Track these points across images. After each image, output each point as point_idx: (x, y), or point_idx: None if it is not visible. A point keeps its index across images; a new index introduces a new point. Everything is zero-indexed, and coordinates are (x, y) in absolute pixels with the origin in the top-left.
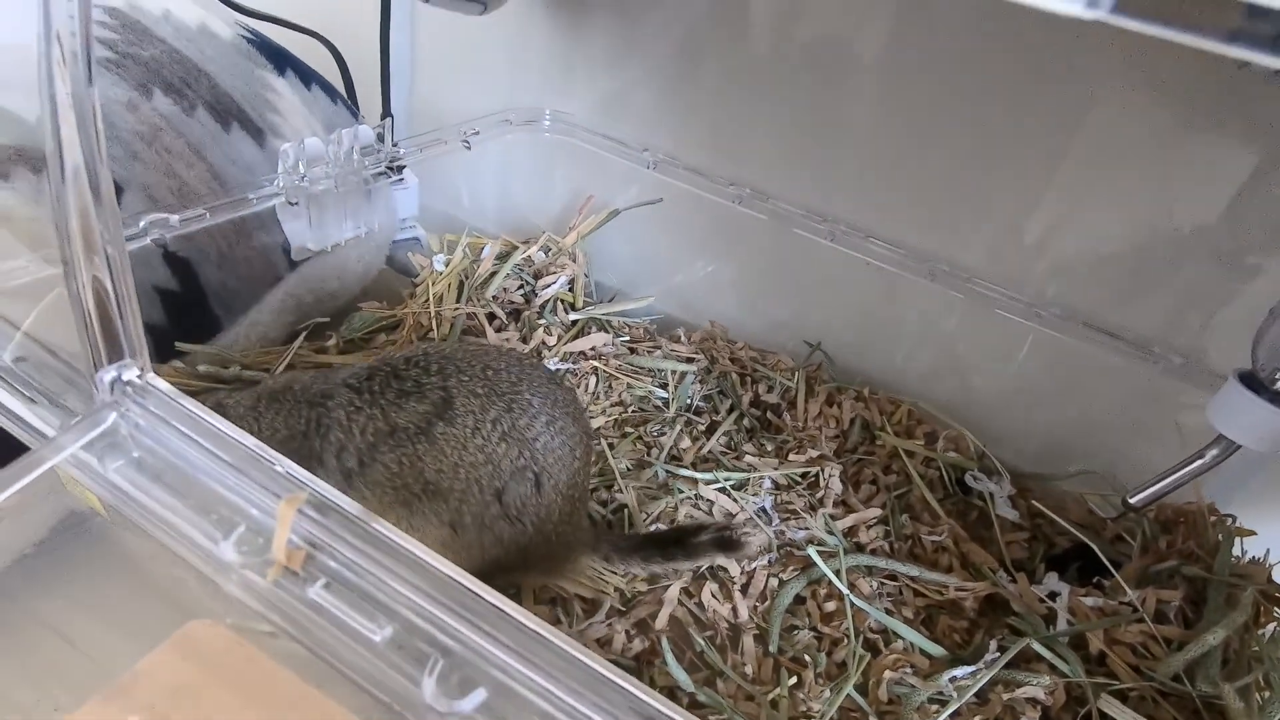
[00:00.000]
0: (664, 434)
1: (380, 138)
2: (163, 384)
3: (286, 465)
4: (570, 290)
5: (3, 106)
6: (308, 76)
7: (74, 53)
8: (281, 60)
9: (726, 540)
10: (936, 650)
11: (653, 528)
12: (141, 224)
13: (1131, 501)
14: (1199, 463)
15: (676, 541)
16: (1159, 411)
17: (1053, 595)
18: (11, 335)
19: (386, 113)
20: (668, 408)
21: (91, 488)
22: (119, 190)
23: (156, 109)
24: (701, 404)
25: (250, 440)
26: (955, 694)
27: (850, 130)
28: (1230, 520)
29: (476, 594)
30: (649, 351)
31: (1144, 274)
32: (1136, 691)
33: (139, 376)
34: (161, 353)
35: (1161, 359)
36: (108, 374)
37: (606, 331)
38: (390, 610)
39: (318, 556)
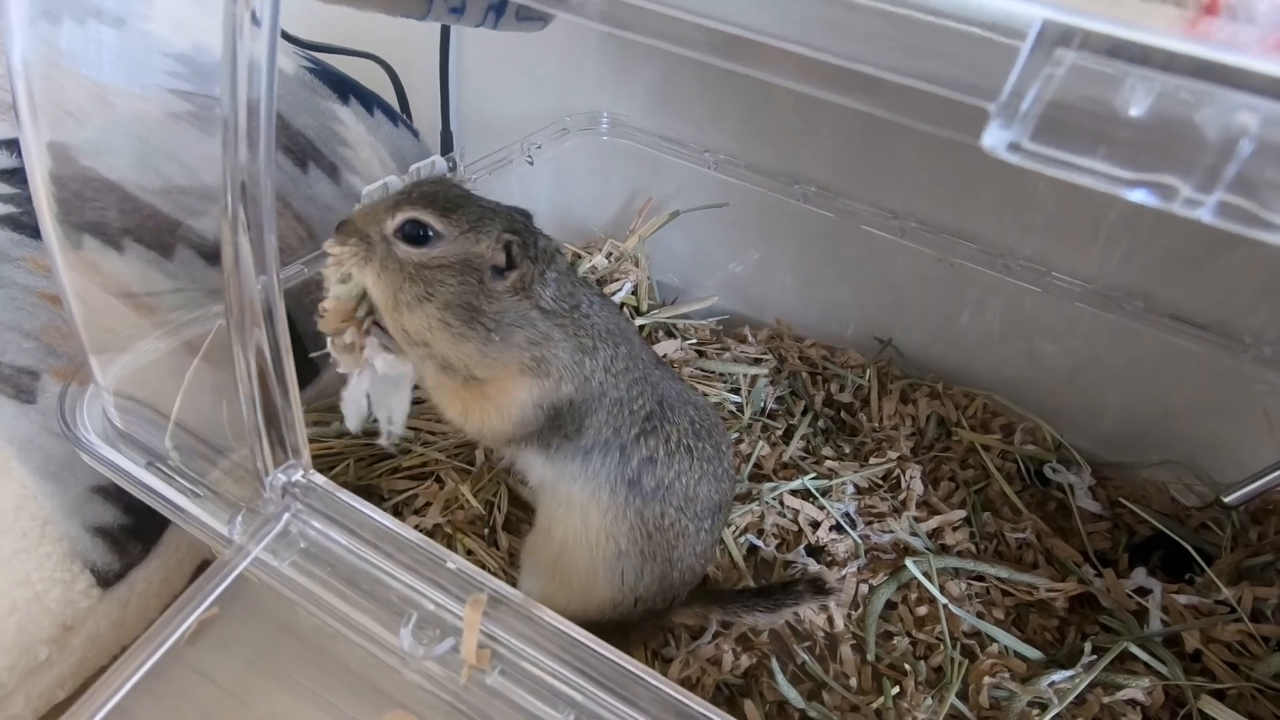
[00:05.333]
0: (742, 441)
1: (452, 168)
2: (322, 480)
3: (457, 562)
4: (634, 294)
5: (105, 177)
6: (369, 101)
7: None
8: (344, 88)
9: (821, 586)
10: (1032, 653)
11: (741, 539)
12: None
13: (1227, 501)
14: None
15: (783, 589)
16: (1245, 399)
17: (1142, 591)
18: (164, 426)
19: (446, 138)
20: (742, 413)
21: (269, 582)
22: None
23: None
24: (774, 406)
25: (418, 538)
26: (1055, 698)
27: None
28: None
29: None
30: (717, 354)
31: (1227, 261)
32: (1235, 690)
33: (303, 476)
34: None
35: (1251, 348)
36: (278, 478)
37: (674, 336)
38: (568, 699)
39: (494, 646)
